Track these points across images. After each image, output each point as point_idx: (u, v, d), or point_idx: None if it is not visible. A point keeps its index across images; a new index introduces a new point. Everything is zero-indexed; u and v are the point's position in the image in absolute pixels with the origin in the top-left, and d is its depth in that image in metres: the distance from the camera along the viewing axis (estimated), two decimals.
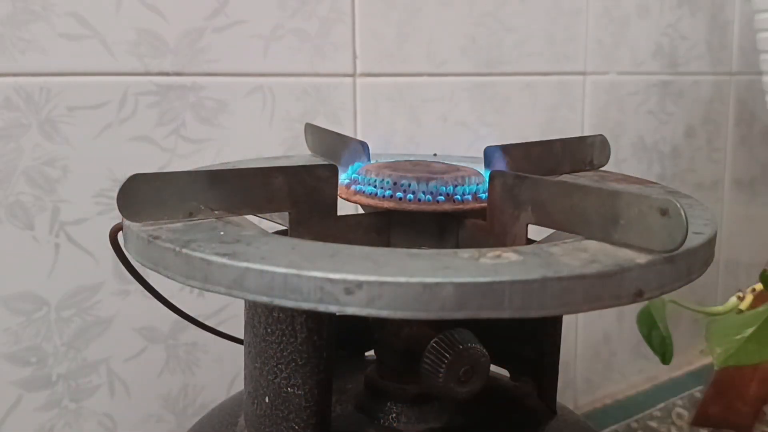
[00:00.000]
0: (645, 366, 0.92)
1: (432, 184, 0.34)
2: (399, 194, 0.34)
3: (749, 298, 0.49)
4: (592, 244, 0.26)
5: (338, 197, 0.35)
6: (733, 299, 0.50)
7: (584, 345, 0.86)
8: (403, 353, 0.34)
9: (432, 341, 0.31)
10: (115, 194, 0.27)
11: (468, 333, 0.31)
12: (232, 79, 0.56)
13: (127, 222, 0.28)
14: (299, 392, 0.31)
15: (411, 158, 0.41)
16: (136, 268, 0.35)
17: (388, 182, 0.34)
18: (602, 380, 0.89)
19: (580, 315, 0.84)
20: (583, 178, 0.40)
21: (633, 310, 0.56)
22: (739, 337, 0.44)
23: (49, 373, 0.52)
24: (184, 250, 0.25)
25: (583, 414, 0.84)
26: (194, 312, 0.44)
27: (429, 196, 0.34)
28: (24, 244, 0.50)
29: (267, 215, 0.34)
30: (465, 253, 0.24)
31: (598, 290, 0.23)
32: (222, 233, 0.27)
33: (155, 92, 0.53)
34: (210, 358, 0.58)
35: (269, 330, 0.31)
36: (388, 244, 0.36)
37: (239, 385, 0.55)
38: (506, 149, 0.38)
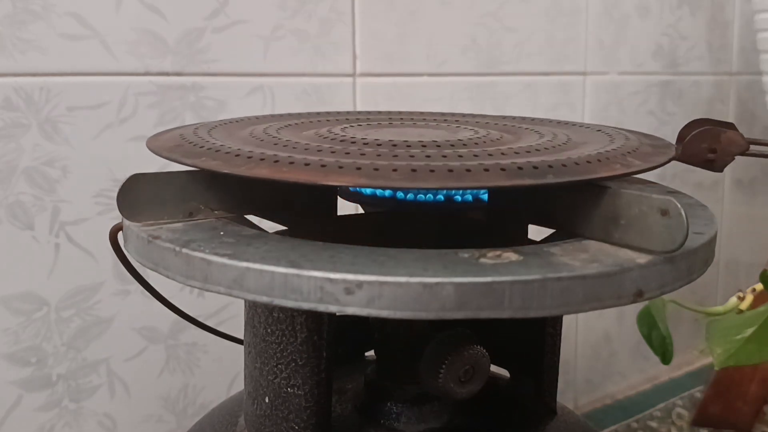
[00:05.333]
0: (645, 366, 0.92)
1: None
2: (399, 194, 0.34)
3: (749, 298, 0.49)
4: (592, 244, 0.26)
5: (338, 197, 0.35)
6: (733, 299, 0.50)
7: (584, 345, 0.86)
8: (403, 353, 0.34)
9: (432, 341, 0.31)
10: (115, 194, 0.27)
11: (468, 333, 0.31)
12: (232, 79, 0.56)
13: (127, 222, 0.28)
14: (299, 392, 0.31)
15: None
16: (136, 268, 0.35)
17: None
18: (602, 380, 0.89)
19: (580, 315, 0.84)
20: None
21: (633, 310, 0.56)
22: (739, 337, 0.44)
23: (49, 373, 0.52)
24: (184, 250, 0.25)
25: (583, 414, 0.84)
26: (194, 312, 0.44)
27: (429, 196, 0.34)
28: (24, 244, 0.50)
29: (267, 215, 0.34)
30: (465, 253, 0.24)
31: (598, 290, 0.23)
32: (222, 233, 0.27)
33: (155, 92, 0.53)
34: (210, 358, 0.58)
35: (269, 330, 0.31)
36: (388, 244, 0.36)
37: (239, 385, 0.55)
38: None
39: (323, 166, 0.25)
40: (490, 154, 0.28)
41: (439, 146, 0.29)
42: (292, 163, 0.26)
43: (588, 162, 0.27)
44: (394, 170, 0.25)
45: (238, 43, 0.56)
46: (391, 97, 0.65)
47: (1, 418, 0.50)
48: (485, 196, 0.34)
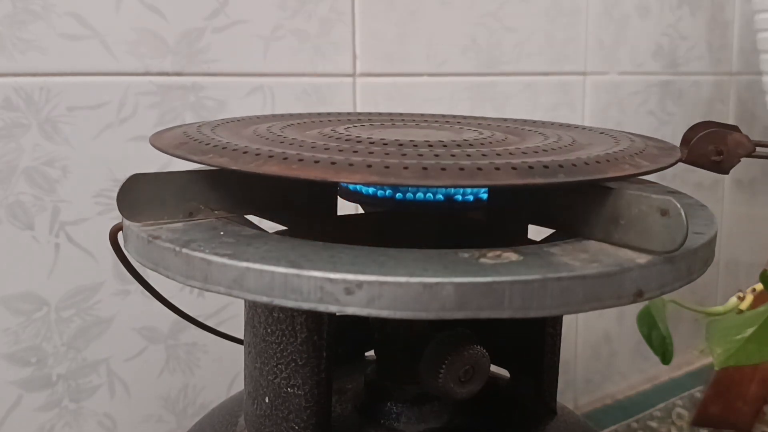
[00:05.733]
0: (645, 366, 0.92)
1: None
2: (399, 194, 0.34)
3: (749, 298, 0.49)
4: (592, 244, 0.26)
5: (338, 197, 0.35)
6: (733, 299, 0.50)
7: (584, 345, 0.86)
8: (403, 353, 0.34)
9: (432, 341, 0.31)
10: (115, 194, 0.27)
11: (468, 333, 0.31)
12: (232, 79, 0.56)
13: (127, 222, 0.28)
14: (299, 392, 0.31)
15: None
16: (136, 268, 0.35)
17: None
18: (602, 380, 0.89)
19: (580, 315, 0.84)
20: None
21: (633, 310, 0.56)
22: (739, 337, 0.44)
23: (49, 373, 0.52)
24: (184, 250, 0.25)
25: (583, 414, 0.84)
26: (194, 312, 0.44)
27: (429, 196, 0.34)
28: (24, 244, 0.50)
29: (267, 215, 0.34)
30: (465, 253, 0.24)
31: (598, 290, 0.23)
32: (222, 233, 0.27)
33: (155, 92, 0.53)
34: (210, 358, 0.58)
35: (269, 330, 0.31)
36: (388, 244, 0.36)
37: (239, 385, 0.55)
38: None
39: (333, 163, 0.25)
40: (499, 154, 0.28)
41: (445, 146, 0.29)
42: (301, 160, 0.26)
43: (597, 162, 0.27)
44: (405, 168, 0.25)
45: (238, 43, 0.56)
46: (391, 97, 0.65)
47: (1, 418, 0.50)
48: (485, 196, 0.34)
